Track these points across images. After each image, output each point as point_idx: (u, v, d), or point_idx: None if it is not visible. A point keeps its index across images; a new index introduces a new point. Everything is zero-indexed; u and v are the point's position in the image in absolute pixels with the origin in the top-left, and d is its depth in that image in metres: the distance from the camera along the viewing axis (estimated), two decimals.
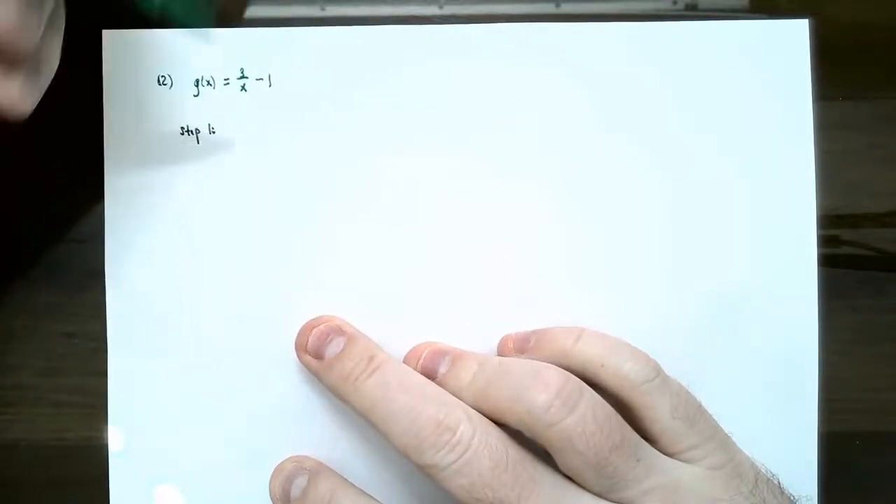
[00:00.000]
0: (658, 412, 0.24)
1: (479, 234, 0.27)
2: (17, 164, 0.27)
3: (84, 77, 0.26)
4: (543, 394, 0.22)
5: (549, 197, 0.27)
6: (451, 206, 0.27)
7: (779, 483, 0.24)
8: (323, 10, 0.28)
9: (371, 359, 0.24)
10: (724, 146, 0.27)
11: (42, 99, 0.21)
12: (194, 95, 0.26)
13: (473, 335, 0.27)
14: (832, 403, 0.27)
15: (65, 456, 0.27)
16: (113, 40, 0.26)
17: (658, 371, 0.24)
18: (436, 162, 0.27)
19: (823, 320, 0.27)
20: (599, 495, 0.22)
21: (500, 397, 0.23)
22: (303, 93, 0.27)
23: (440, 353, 0.26)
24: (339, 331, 0.25)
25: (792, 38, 0.27)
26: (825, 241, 0.28)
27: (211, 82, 0.26)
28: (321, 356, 0.25)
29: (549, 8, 0.28)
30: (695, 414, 0.24)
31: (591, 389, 0.23)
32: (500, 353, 0.27)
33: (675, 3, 0.28)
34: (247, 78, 0.27)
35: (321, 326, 0.26)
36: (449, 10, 0.28)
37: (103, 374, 0.27)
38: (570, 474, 0.23)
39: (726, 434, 0.25)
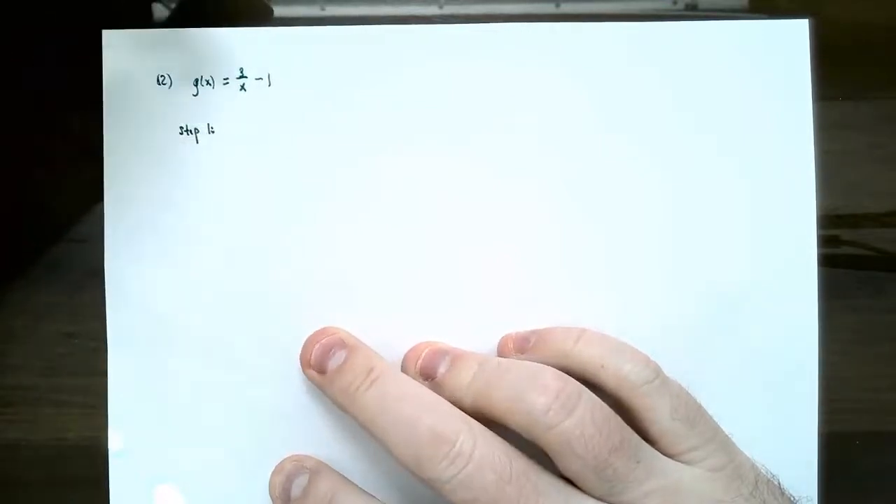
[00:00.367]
0: (658, 413, 0.24)
1: (479, 234, 0.27)
2: (16, 164, 0.27)
3: (84, 77, 0.26)
4: (542, 396, 0.22)
5: (549, 197, 0.27)
6: (451, 205, 0.27)
7: (779, 484, 0.24)
8: (323, 9, 0.28)
9: (370, 370, 0.24)
10: (724, 146, 0.27)
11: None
12: (194, 95, 0.26)
13: (473, 335, 0.27)
14: (832, 403, 0.27)
15: (65, 456, 0.27)
16: (113, 40, 0.26)
17: (658, 372, 0.24)
18: (436, 162, 0.27)
19: (823, 320, 0.27)
20: (601, 499, 0.22)
21: (500, 398, 0.23)
22: (302, 92, 0.27)
23: (440, 353, 0.26)
24: (341, 343, 0.25)
25: (792, 38, 0.27)
26: (825, 241, 0.28)
27: (210, 82, 0.26)
28: (324, 370, 0.25)
29: (549, 8, 0.28)
30: (695, 415, 0.24)
31: (589, 392, 0.23)
32: (500, 353, 0.27)
33: (675, 3, 0.28)
34: (246, 77, 0.27)
35: (324, 340, 0.25)
36: (449, 10, 0.28)
37: (103, 374, 0.27)
38: (570, 477, 0.22)
39: (726, 435, 0.25)
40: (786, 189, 0.27)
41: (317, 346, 0.25)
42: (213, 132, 0.27)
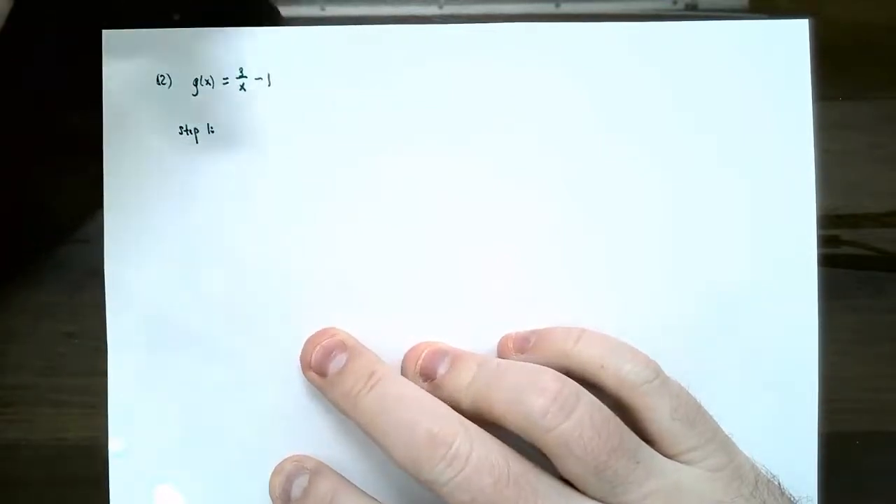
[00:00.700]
0: (658, 413, 0.24)
1: (479, 235, 0.27)
2: (17, 164, 0.27)
3: (84, 77, 0.26)
4: (540, 398, 0.22)
5: (549, 197, 0.27)
6: (451, 205, 0.27)
7: (779, 484, 0.24)
8: (323, 9, 0.28)
9: (371, 374, 0.24)
10: (724, 146, 0.27)
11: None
12: (193, 95, 0.26)
13: (473, 335, 0.27)
14: (832, 403, 0.27)
15: (65, 456, 0.27)
16: (113, 40, 0.26)
17: (658, 372, 0.24)
18: (436, 162, 0.27)
19: (823, 320, 0.27)
20: (601, 500, 0.22)
21: (499, 400, 0.23)
22: (302, 92, 0.27)
23: (440, 353, 0.26)
24: (342, 346, 0.25)
25: (792, 38, 0.27)
26: (825, 241, 0.28)
27: (210, 82, 0.26)
28: (325, 373, 0.25)
29: (549, 8, 0.28)
30: (695, 415, 0.24)
31: (588, 393, 0.23)
32: (500, 353, 0.27)
33: (675, 3, 0.28)
34: (246, 77, 0.27)
35: (325, 343, 0.25)
36: (449, 10, 0.28)
37: (103, 374, 0.27)
38: (570, 479, 0.22)
39: (726, 435, 0.25)
40: (786, 189, 0.27)
41: (317, 348, 0.25)
42: (212, 132, 0.27)
